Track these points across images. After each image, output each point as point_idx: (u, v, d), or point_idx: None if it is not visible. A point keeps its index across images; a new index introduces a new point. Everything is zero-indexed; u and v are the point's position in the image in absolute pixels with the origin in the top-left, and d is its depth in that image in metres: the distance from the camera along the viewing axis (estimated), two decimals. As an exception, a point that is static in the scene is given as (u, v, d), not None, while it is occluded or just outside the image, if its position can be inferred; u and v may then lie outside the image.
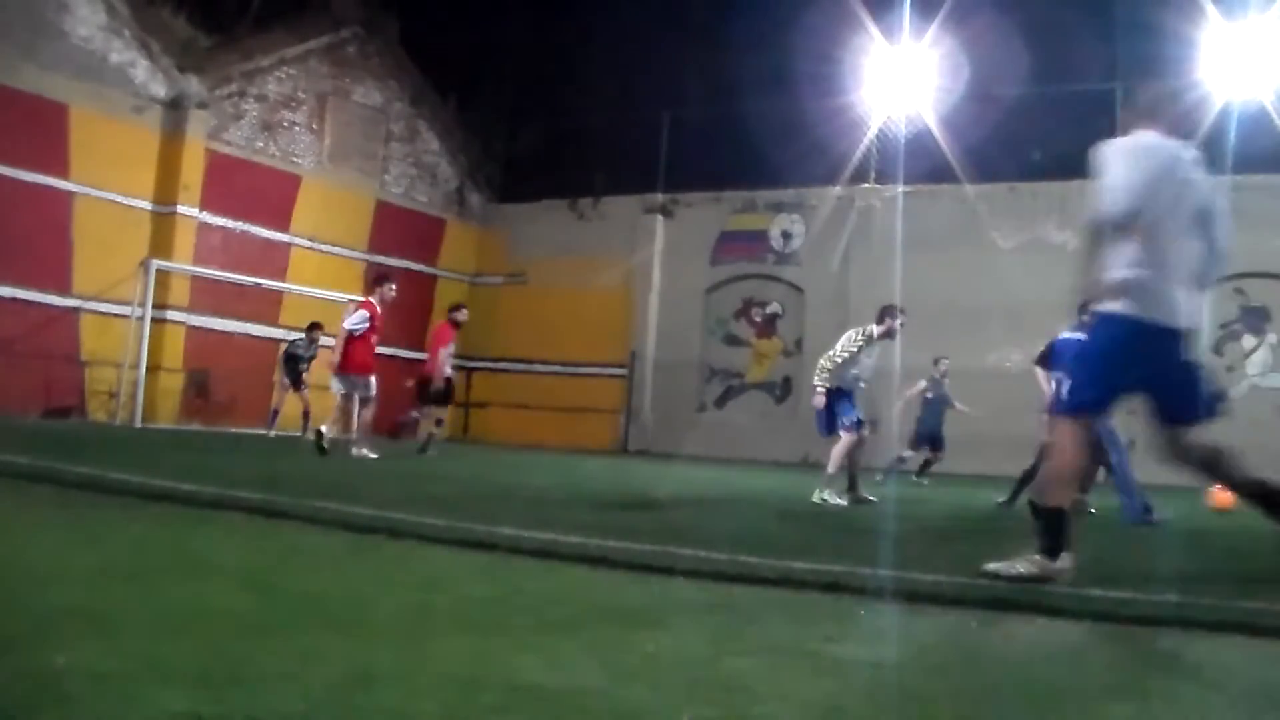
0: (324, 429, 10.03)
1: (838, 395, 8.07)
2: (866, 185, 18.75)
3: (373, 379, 10.32)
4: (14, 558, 3.25)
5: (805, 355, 19.09)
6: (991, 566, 3.70)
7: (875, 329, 8.14)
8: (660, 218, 20.38)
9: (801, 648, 2.54)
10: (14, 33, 14.16)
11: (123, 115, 15.52)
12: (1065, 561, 3.66)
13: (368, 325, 10.16)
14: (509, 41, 21.99)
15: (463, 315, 11.94)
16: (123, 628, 2.29)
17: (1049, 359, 8.85)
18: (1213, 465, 3.96)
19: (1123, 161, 3.78)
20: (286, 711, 1.73)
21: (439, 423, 13.10)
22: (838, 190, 18.83)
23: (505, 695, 1.92)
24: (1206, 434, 3.96)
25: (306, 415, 14.85)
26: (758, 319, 19.74)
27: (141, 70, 15.83)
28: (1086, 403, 3.94)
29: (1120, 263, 3.77)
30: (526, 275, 21.27)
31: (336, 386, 10.45)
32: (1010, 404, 17.16)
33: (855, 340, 8.05)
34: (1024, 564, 3.67)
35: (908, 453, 12.66)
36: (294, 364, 15.05)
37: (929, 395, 12.88)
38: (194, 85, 16.31)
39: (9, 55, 14.06)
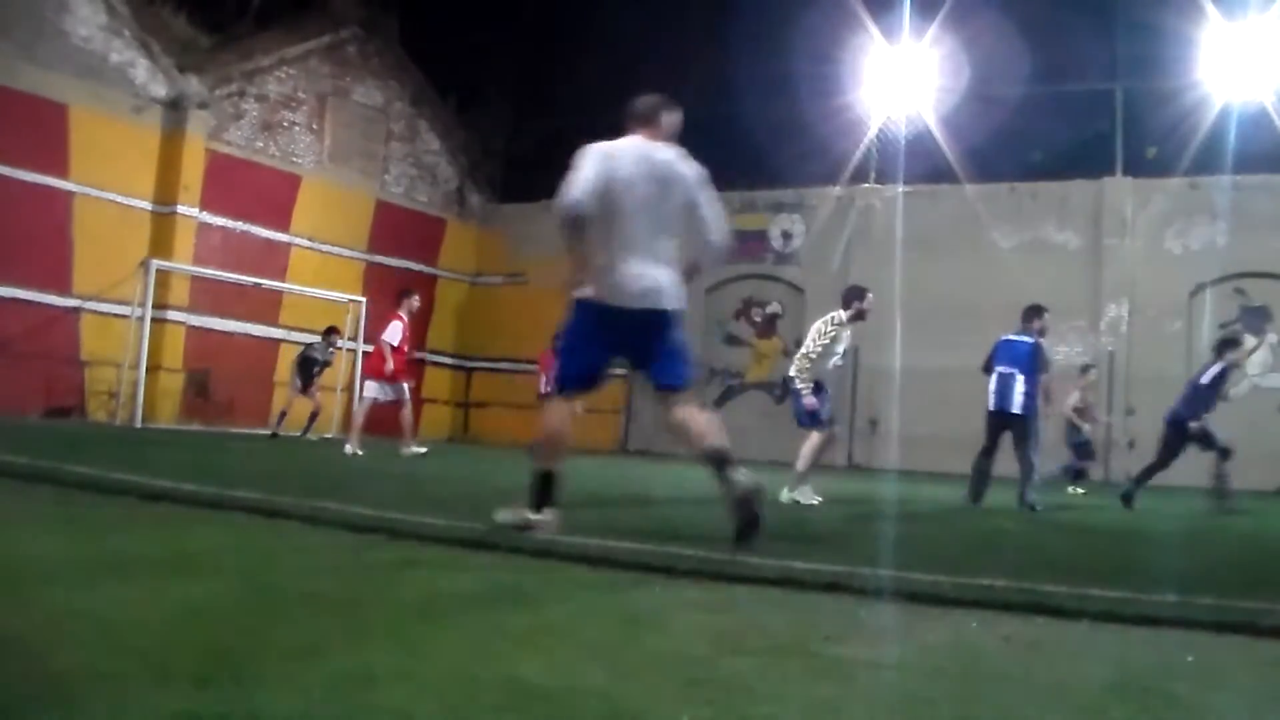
0: (349, 449, 10.79)
1: (817, 390, 7.83)
2: (866, 185, 18.75)
3: (405, 384, 11.70)
4: (14, 558, 3.25)
5: (805, 355, 19.11)
6: (498, 515, 4.33)
7: (844, 314, 7.95)
8: (660, 218, 20.38)
9: (801, 648, 2.54)
10: (14, 33, 14.16)
11: (123, 115, 15.52)
12: (549, 516, 4.27)
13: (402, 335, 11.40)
14: (509, 41, 21.99)
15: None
16: (123, 628, 2.28)
17: (991, 359, 8.98)
18: (683, 434, 4.38)
19: (588, 162, 4.29)
20: (286, 711, 1.73)
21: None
22: (838, 190, 18.83)
23: (505, 695, 1.92)
24: (694, 403, 4.44)
25: (314, 417, 15.00)
26: (758, 319, 19.73)
27: (141, 70, 15.83)
28: (568, 381, 4.50)
29: (592, 252, 4.30)
30: (526, 275, 21.26)
31: (373, 392, 11.39)
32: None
33: (828, 329, 7.83)
34: (513, 513, 4.31)
35: (1077, 463, 12.40)
36: (309, 367, 15.05)
37: (1079, 407, 12.64)
38: (194, 85, 16.31)
39: (9, 55, 14.06)
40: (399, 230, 19.95)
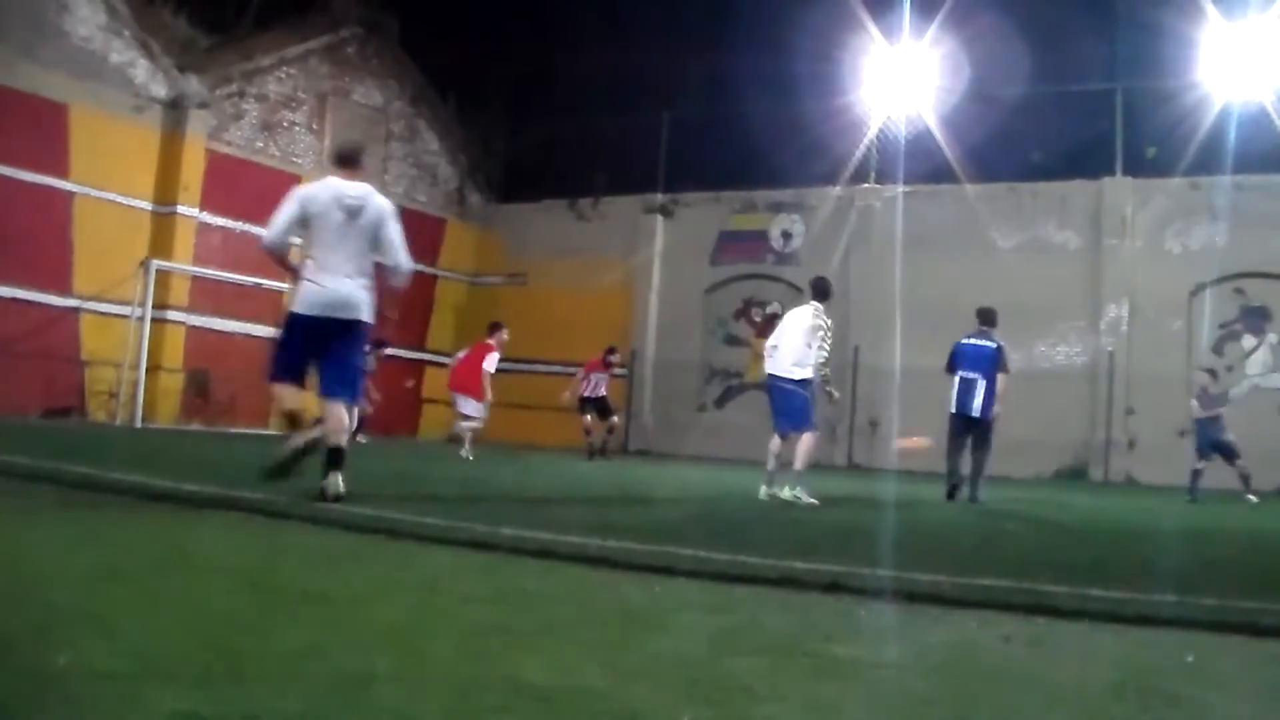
0: (465, 454, 12.50)
1: (807, 386, 7.74)
2: (866, 185, 18.75)
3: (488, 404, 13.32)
4: (14, 558, 3.25)
5: (805, 355, 19.10)
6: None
7: (821, 304, 7.91)
8: (660, 218, 20.37)
9: (801, 648, 2.54)
10: (14, 33, 14.16)
11: (123, 115, 15.52)
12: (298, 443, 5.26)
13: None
14: (509, 41, 21.99)
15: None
16: (123, 628, 2.29)
17: (953, 363, 9.30)
18: (322, 419, 5.39)
19: (287, 203, 5.36)
20: (286, 711, 1.73)
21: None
22: (838, 190, 18.83)
23: (505, 695, 1.92)
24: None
25: (364, 422, 15.08)
26: (758, 319, 19.72)
27: (141, 70, 15.83)
28: (276, 371, 5.46)
29: (301, 273, 5.39)
30: (526, 275, 21.26)
31: (475, 410, 12.99)
32: (1008, 404, 17.21)
33: (821, 323, 7.73)
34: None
35: (1200, 464, 12.20)
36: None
37: (1206, 411, 12.20)
38: (194, 85, 16.30)
39: (9, 55, 14.06)
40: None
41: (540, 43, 21.92)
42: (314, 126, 18.46)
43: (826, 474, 14.59)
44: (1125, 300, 16.76)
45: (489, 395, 12.83)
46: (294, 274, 5.49)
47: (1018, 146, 17.92)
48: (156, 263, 15.52)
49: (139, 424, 15.02)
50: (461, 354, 13.74)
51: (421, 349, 20.61)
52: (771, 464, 7.77)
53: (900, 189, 18.20)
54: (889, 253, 17.81)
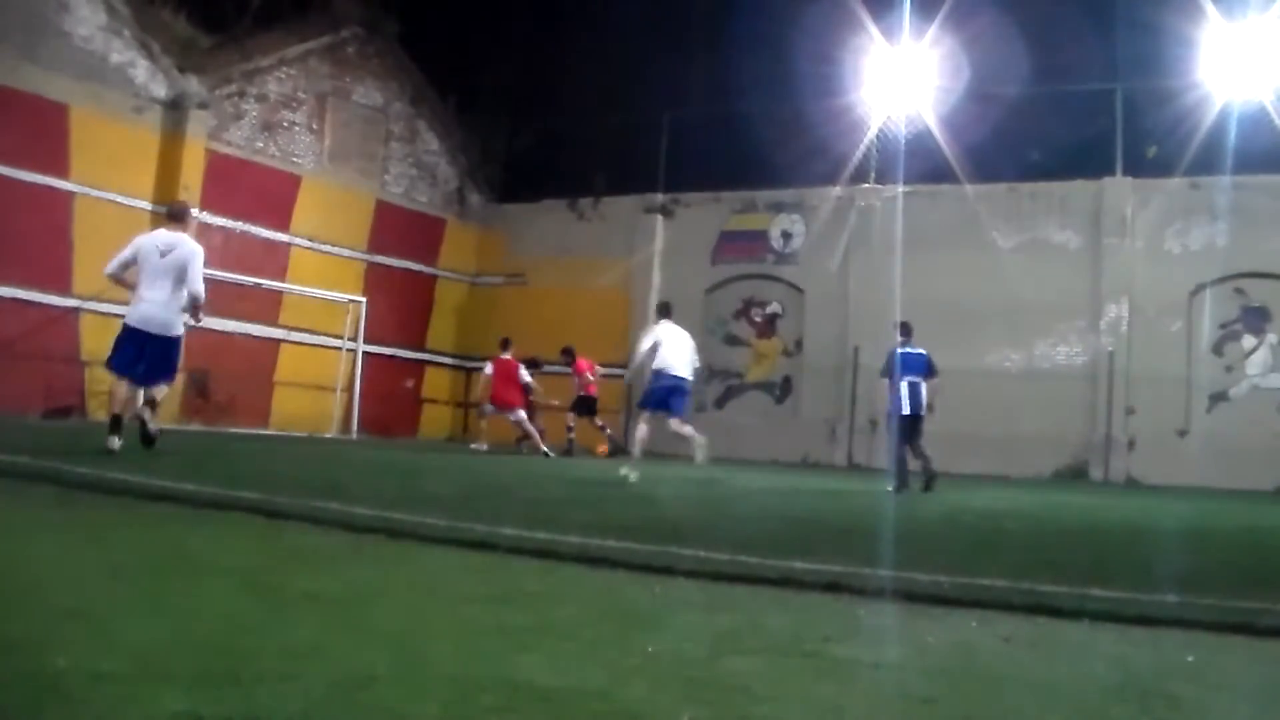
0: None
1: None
2: (866, 185, 18.74)
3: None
4: (14, 558, 3.25)
5: (805, 355, 19.08)
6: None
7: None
8: (660, 218, 20.36)
9: (801, 648, 2.54)
10: (14, 33, 14.14)
11: (123, 115, 15.51)
12: (115, 444, 7.44)
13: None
14: (509, 41, 21.98)
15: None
16: (123, 628, 2.29)
17: (891, 369, 10.52)
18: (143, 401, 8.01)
19: (128, 246, 7.89)
20: (286, 711, 1.73)
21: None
22: (838, 190, 18.82)
23: (505, 695, 1.92)
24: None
25: (526, 436, 15.54)
26: (758, 319, 19.72)
27: (141, 70, 15.82)
28: (114, 366, 7.79)
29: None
30: (526, 275, 21.25)
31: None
32: (1008, 404, 17.25)
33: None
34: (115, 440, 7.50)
35: None
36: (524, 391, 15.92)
37: None
38: (194, 85, 16.29)
39: (9, 55, 14.05)
40: (399, 230, 19.94)
41: (540, 43, 21.92)
42: (314, 126, 18.45)
43: (825, 474, 14.60)
44: (1125, 300, 16.76)
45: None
46: (130, 295, 7.86)
47: (1018, 146, 17.92)
48: (156, 263, 15.51)
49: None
50: (488, 370, 15.68)
51: (421, 349, 20.61)
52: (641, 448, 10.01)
53: (900, 189, 18.19)
54: (889, 253, 17.80)
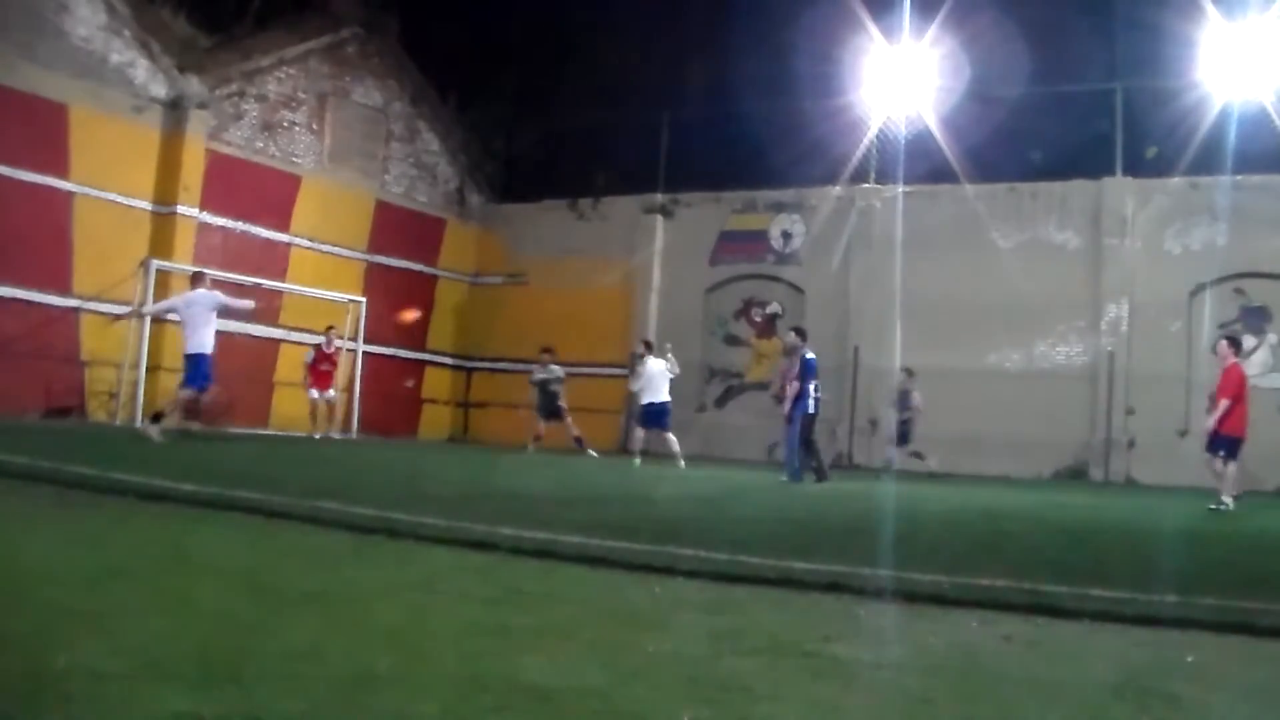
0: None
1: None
2: (866, 185, 18.73)
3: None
4: (14, 558, 3.25)
5: (805, 355, 19.07)
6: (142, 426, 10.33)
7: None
8: (660, 218, 20.36)
9: (801, 648, 2.54)
10: (14, 33, 14.14)
11: (123, 115, 15.50)
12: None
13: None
14: (509, 41, 21.97)
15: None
16: (123, 628, 2.29)
17: (803, 373, 11.43)
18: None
19: (176, 296, 12.16)
20: (286, 711, 1.73)
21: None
22: (838, 190, 18.81)
23: (505, 695, 1.92)
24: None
25: (579, 441, 15.75)
26: (758, 319, 19.72)
27: (141, 70, 15.82)
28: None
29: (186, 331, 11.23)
30: (526, 275, 21.24)
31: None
32: (1008, 404, 17.24)
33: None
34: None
35: None
36: (552, 397, 15.87)
37: None
38: (194, 85, 16.29)
39: (9, 55, 14.05)
40: (399, 230, 19.94)
41: (540, 43, 21.90)
42: (314, 126, 18.45)
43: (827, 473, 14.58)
44: (1125, 300, 16.75)
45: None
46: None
47: (1018, 146, 17.91)
48: (156, 263, 15.50)
49: (139, 424, 15.00)
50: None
51: (421, 349, 20.61)
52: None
53: (900, 189, 18.18)
54: (889, 253, 17.81)
